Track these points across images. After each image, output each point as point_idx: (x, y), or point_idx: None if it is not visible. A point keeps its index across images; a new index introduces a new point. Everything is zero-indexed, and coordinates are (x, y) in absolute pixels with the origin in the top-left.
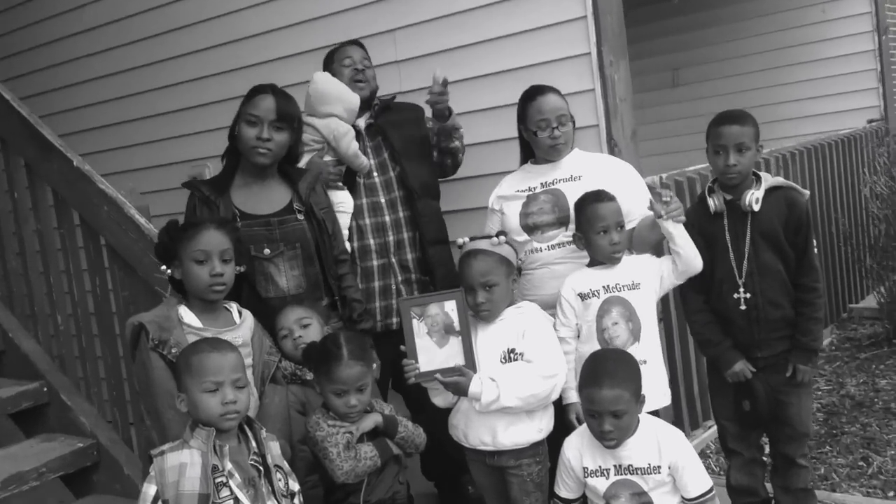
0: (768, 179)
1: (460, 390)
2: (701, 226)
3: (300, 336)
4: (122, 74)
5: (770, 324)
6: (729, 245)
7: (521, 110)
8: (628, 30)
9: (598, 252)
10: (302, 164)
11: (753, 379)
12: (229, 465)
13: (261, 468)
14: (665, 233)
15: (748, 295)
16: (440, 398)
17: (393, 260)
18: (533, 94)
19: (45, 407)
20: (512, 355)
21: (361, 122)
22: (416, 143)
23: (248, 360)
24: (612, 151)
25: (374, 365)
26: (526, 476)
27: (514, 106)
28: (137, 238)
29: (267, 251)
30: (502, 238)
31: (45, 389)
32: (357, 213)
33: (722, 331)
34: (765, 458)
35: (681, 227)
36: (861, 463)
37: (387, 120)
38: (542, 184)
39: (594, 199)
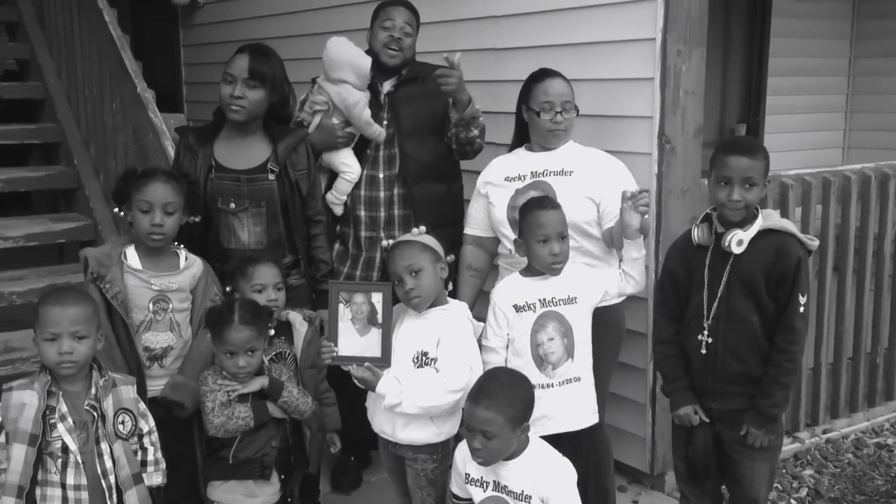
0: (769, 219)
1: (368, 386)
2: (685, 253)
3: (275, 298)
4: None
5: (727, 376)
6: (705, 282)
7: (525, 90)
8: None
9: (537, 261)
10: (313, 125)
11: (697, 428)
12: (64, 409)
13: (95, 413)
14: (623, 222)
15: (710, 340)
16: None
17: (382, 234)
18: (541, 75)
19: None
20: (424, 359)
21: (387, 86)
22: (427, 120)
23: (185, 305)
24: (661, 147)
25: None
26: (420, 471)
27: (577, 81)
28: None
29: (232, 205)
30: (422, 228)
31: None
32: (356, 182)
33: (683, 368)
34: None
35: (638, 220)
36: None
37: (405, 93)
38: (532, 172)
39: (537, 206)
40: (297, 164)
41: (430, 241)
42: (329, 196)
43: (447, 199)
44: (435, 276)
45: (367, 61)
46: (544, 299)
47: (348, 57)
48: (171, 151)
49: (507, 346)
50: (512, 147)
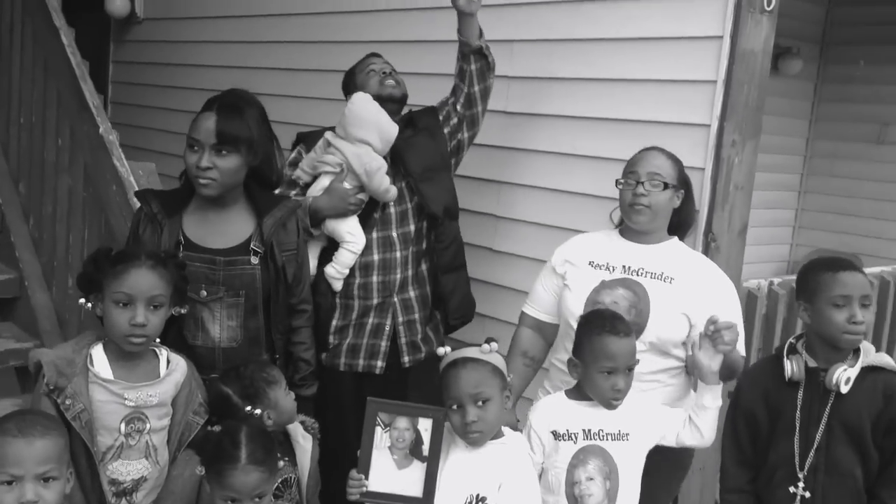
0: (869, 354)
1: None
2: (768, 392)
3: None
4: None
5: None
6: (797, 426)
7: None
8: (832, 66)
9: (594, 392)
10: (320, 186)
11: None
12: None
13: None
14: (697, 362)
15: (807, 494)
16: None
17: (395, 299)
18: (641, 149)
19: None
20: None
21: None
22: (433, 158)
23: (164, 422)
24: (706, 246)
25: (281, 463)
26: None
27: (617, 161)
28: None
29: (203, 293)
30: (494, 345)
31: None
32: (365, 249)
33: None
34: None
35: (718, 362)
36: None
37: (402, 141)
38: (624, 266)
39: (609, 331)
40: (285, 242)
41: (500, 362)
42: (329, 270)
43: (461, 239)
44: (501, 408)
45: (395, 128)
46: (589, 430)
47: (376, 118)
48: None
49: (540, 477)
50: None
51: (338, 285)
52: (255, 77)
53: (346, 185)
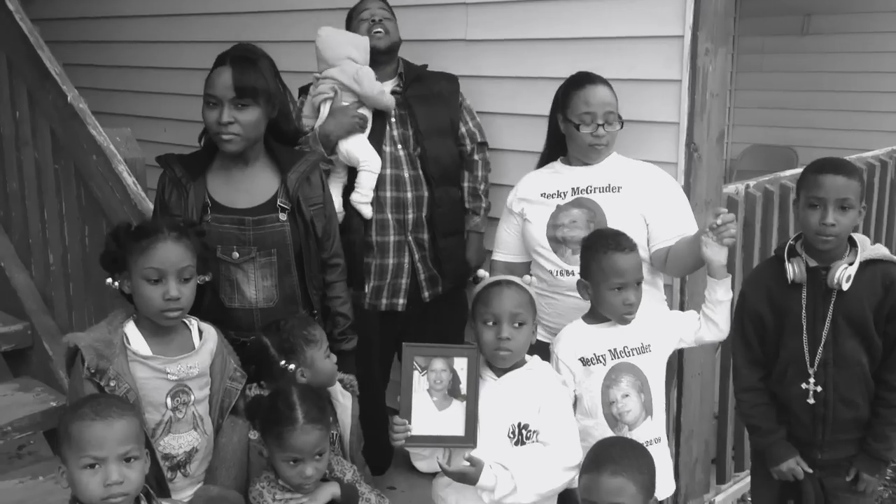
0: (866, 248)
1: (467, 480)
2: (772, 293)
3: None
4: None
5: (839, 424)
6: (804, 325)
7: (562, 97)
8: None
9: (607, 310)
10: (323, 115)
11: (804, 482)
12: None
13: None
14: (706, 258)
15: (819, 388)
16: (424, 463)
17: (409, 238)
18: (581, 81)
19: (29, 350)
20: (525, 432)
21: (387, 88)
22: (442, 123)
23: (206, 392)
24: (689, 156)
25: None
26: None
27: None
28: (122, 199)
29: (235, 255)
30: (534, 279)
31: (30, 333)
32: (379, 184)
33: (776, 418)
34: None
35: (725, 255)
36: None
37: (416, 94)
38: (573, 189)
39: (613, 248)
40: (310, 197)
41: (536, 297)
42: (355, 196)
43: (460, 204)
44: (530, 337)
45: (365, 37)
46: (615, 350)
47: (345, 38)
48: (128, 177)
49: (575, 405)
50: (543, 159)
51: (367, 210)
52: (199, 24)
53: (345, 102)
